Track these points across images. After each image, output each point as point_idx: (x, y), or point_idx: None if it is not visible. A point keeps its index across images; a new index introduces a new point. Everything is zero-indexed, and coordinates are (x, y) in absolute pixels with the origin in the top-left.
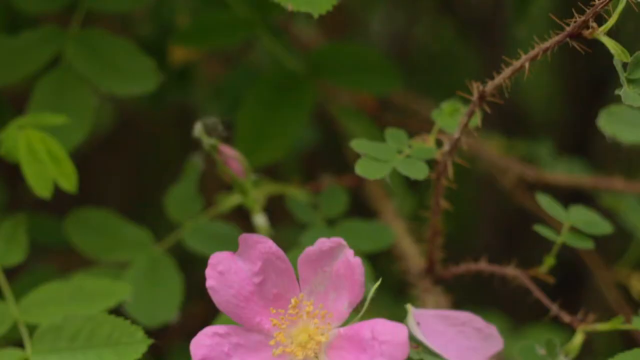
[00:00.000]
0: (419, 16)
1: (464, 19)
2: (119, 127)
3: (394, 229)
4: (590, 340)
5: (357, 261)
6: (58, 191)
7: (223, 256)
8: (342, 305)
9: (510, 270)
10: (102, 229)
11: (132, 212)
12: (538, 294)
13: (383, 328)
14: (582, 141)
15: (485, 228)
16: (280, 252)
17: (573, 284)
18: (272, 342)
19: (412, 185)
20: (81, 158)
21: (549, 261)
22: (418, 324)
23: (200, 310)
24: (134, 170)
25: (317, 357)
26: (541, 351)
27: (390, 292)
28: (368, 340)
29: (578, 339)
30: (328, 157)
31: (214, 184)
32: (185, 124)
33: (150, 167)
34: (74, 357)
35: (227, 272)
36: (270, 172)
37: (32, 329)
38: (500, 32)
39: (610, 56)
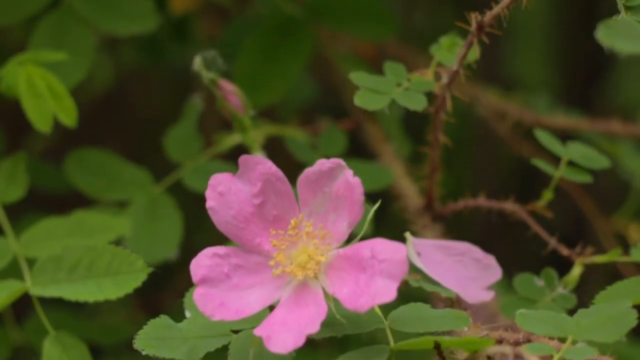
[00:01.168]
0: (417, 2)
1: (462, 6)
2: (117, 90)
3: (393, 170)
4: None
5: (357, 181)
6: (58, 148)
7: (223, 177)
8: (342, 225)
9: (509, 206)
10: (101, 169)
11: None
12: (536, 227)
13: (382, 247)
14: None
15: (481, 183)
16: (280, 173)
17: (571, 234)
18: (271, 263)
19: (410, 130)
20: (80, 118)
21: (547, 195)
22: (418, 254)
23: None
24: (133, 133)
25: (316, 277)
26: (539, 283)
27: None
28: (367, 260)
29: (576, 270)
30: (326, 112)
31: (213, 124)
32: (183, 88)
33: (149, 133)
34: (73, 287)
35: (227, 193)
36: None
37: (31, 263)
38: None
39: None
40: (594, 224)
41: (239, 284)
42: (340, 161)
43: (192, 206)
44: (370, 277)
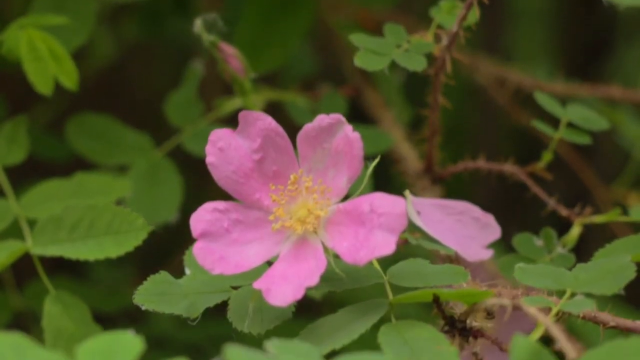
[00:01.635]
0: None
1: None
2: (118, 67)
3: (393, 135)
4: None
5: (356, 136)
6: (59, 123)
7: (223, 133)
8: (341, 181)
9: (508, 167)
10: (102, 133)
11: None
12: (535, 189)
13: (381, 201)
14: None
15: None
16: (280, 129)
17: (572, 204)
18: (271, 217)
19: (411, 98)
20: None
21: (547, 157)
22: (418, 213)
23: None
24: (134, 111)
25: (316, 232)
26: (539, 243)
27: None
28: (366, 214)
29: (575, 230)
30: (327, 82)
31: (214, 89)
32: (184, 64)
33: (150, 111)
34: (74, 246)
35: (226, 149)
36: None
37: (32, 225)
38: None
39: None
40: (593, 193)
41: (239, 239)
42: (340, 117)
43: (192, 175)
44: (369, 231)
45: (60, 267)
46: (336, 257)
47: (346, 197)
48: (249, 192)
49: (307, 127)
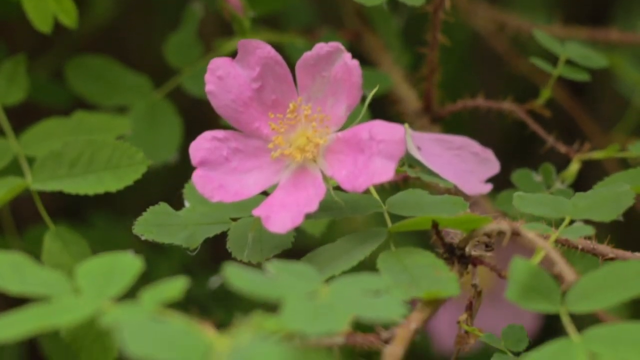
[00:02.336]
0: None
1: None
2: (118, 27)
3: (392, 77)
4: None
5: (355, 63)
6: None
7: (222, 61)
8: (340, 109)
9: (507, 105)
10: (101, 75)
11: None
12: (534, 126)
13: (380, 128)
14: None
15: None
16: (279, 57)
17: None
18: (270, 146)
19: (410, 42)
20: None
21: (545, 94)
22: (419, 148)
23: None
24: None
25: (315, 160)
26: (538, 178)
27: None
28: (366, 141)
29: (574, 166)
30: None
31: (213, 30)
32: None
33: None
34: (74, 182)
35: (226, 77)
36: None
37: (32, 163)
38: None
39: None
40: (592, 140)
41: (238, 168)
42: (339, 45)
43: (192, 118)
44: (368, 158)
45: (60, 217)
46: (336, 188)
47: (344, 128)
48: (248, 121)
49: (306, 56)
